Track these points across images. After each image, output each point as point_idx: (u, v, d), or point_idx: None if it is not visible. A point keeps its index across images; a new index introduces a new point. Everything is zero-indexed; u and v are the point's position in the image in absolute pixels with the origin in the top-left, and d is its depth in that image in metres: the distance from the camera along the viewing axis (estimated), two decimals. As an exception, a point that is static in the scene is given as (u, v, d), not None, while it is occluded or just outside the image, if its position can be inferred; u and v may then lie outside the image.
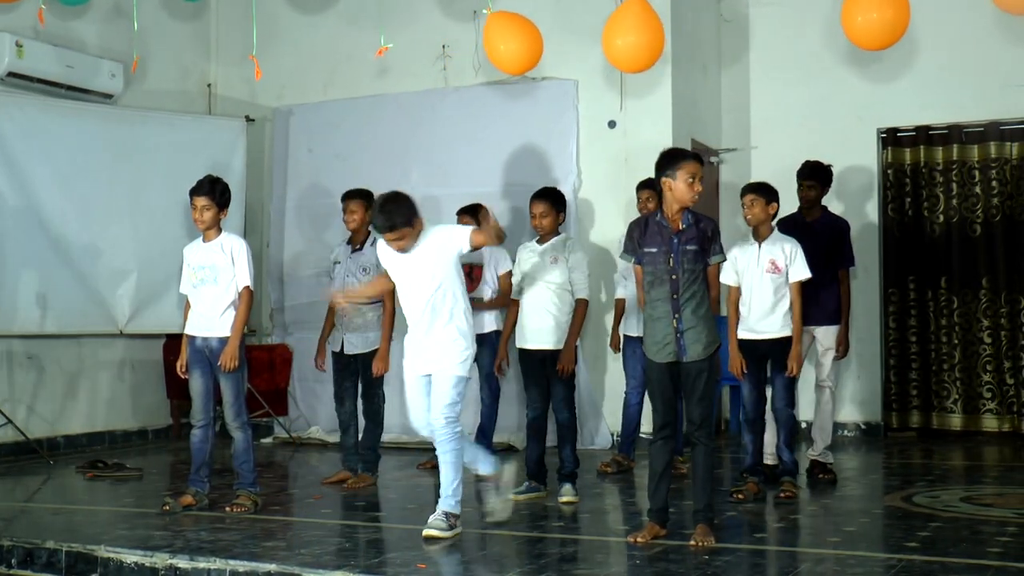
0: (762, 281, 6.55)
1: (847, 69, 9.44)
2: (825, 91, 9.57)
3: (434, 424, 5.65)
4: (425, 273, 5.66)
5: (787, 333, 6.54)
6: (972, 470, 8.09)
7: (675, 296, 5.35)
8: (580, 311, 6.63)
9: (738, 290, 6.64)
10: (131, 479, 7.63)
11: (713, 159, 9.79)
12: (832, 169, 7.60)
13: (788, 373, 6.52)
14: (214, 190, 6.36)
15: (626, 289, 7.68)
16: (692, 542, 5.26)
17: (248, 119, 9.84)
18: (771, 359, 6.61)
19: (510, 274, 7.43)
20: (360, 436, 7.28)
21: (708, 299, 5.43)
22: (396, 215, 5.58)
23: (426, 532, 5.51)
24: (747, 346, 6.57)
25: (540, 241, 6.73)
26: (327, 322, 7.41)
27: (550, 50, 9.10)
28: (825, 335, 7.17)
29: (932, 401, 9.40)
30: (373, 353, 7.05)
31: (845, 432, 9.41)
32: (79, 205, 8.77)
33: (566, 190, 8.67)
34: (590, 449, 8.63)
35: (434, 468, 6.27)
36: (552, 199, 6.72)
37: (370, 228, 7.10)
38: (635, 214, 7.50)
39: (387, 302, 6.86)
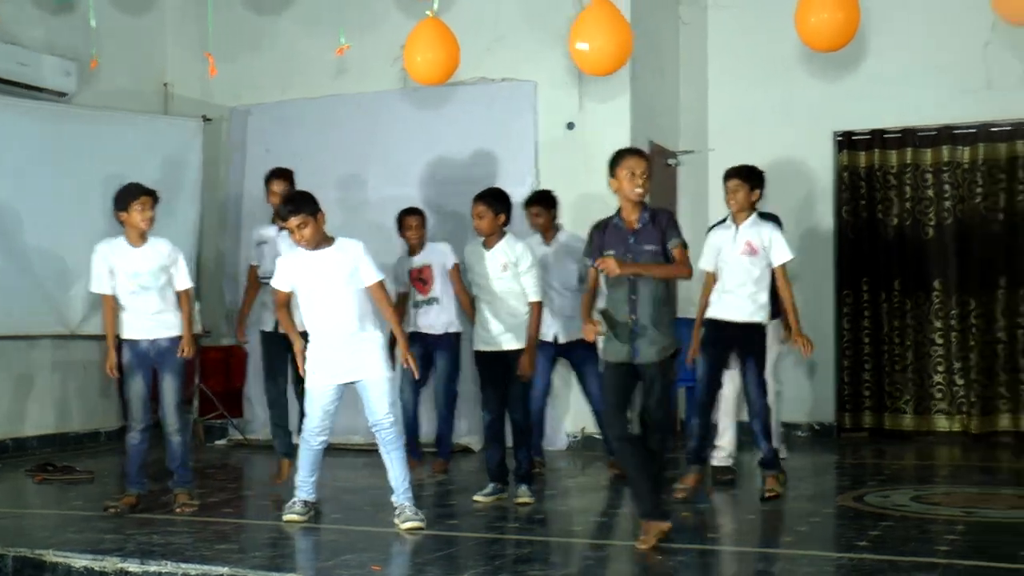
0: (737, 263, 6.56)
1: (803, 72, 9.51)
2: (782, 94, 9.64)
3: (383, 425, 5.89)
4: (341, 273, 5.88)
5: (757, 319, 6.55)
6: (922, 470, 8.17)
7: (633, 297, 5.37)
8: (534, 314, 6.58)
9: (714, 276, 6.65)
10: (81, 482, 7.55)
11: (671, 161, 9.83)
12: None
13: (804, 352, 6.50)
14: (154, 192, 6.40)
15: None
16: (642, 545, 5.24)
17: (205, 119, 9.77)
18: (739, 346, 6.61)
19: (457, 268, 7.63)
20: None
21: (670, 302, 5.45)
22: (301, 202, 5.86)
23: (411, 525, 5.74)
24: (713, 326, 6.59)
25: (485, 244, 6.64)
26: (249, 298, 7.49)
27: (510, 51, 9.20)
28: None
29: (885, 402, 9.48)
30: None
31: (799, 432, 9.47)
32: (31, 205, 8.66)
33: (524, 191, 8.67)
34: (555, 450, 8.63)
35: None
36: (489, 200, 6.62)
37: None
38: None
39: None
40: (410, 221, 7.83)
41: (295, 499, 6.10)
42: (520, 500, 6.50)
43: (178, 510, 6.27)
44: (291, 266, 6.00)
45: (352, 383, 5.95)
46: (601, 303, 5.59)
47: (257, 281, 7.44)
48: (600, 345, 5.55)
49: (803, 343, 6.53)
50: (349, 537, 5.78)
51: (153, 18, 10.29)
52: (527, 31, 9.08)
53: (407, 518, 5.78)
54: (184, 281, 6.47)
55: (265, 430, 9.37)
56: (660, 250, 5.39)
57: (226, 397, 9.61)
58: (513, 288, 6.57)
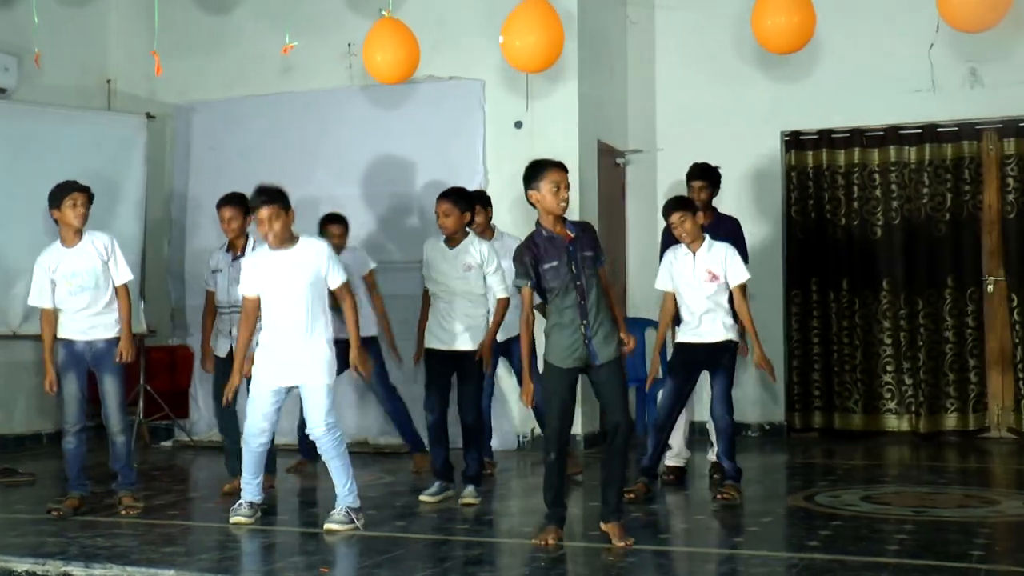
0: (700, 291, 6.55)
1: (752, 72, 9.55)
2: (730, 94, 9.66)
3: (316, 434, 5.83)
4: (304, 275, 5.80)
5: (728, 338, 6.56)
6: (872, 469, 8.21)
7: (583, 301, 5.34)
8: (500, 308, 6.52)
9: (673, 296, 6.65)
10: (23, 484, 7.40)
11: (620, 160, 9.83)
12: (720, 170, 7.56)
13: (771, 378, 6.74)
14: (88, 189, 6.30)
15: None
16: (621, 543, 5.23)
17: (149, 116, 9.62)
18: (708, 364, 6.62)
19: (373, 272, 7.69)
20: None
21: (609, 302, 5.44)
22: (275, 193, 5.80)
23: (327, 526, 5.68)
24: (684, 350, 6.60)
25: (449, 243, 6.60)
26: (208, 324, 7.20)
27: (458, 50, 9.15)
28: None
29: (834, 401, 9.53)
30: None
31: (749, 433, 9.51)
32: (-29, 203, 8.51)
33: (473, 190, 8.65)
34: (507, 450, 8.59)
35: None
36: (455, 199, 6.60)
37: (248, 232, 6.98)
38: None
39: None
40: (332, 229, 7.68)
41: (241, 501, 6.01)
42: (465, 501, 6.46)
43: (123, 512, 6.18)
44: (257, 268, 5.88)
45: (295, 387, 5.88)
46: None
47: (215, 309, 7.09)
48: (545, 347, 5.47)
49: (768, 368, 6.60)
50: (297, 539, 5.71)
51: (96, 12, 10.12)
52: (475, 30, 9.03)
53: (331, 519, 5.74)
54: (124, 274, 6.33)
55: (211, 432, 9.28)
56: (594, 256, 5.40)
57: (171, 398, 9.46)
58: (472, 289, 6.52)
